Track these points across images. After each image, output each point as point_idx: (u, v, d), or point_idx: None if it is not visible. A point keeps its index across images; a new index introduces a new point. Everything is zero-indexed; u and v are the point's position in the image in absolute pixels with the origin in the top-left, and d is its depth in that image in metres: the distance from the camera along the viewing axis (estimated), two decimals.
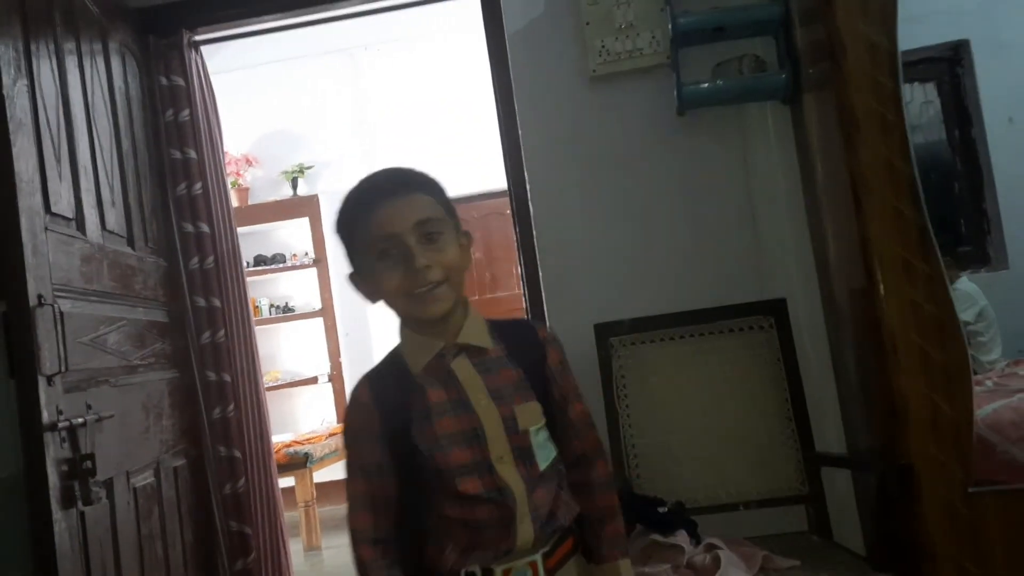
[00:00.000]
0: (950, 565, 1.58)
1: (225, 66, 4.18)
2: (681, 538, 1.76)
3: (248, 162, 5.16)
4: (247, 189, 5.22)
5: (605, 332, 2.05)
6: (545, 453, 1.17)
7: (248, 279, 2.65)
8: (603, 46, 2.18)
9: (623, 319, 2.04)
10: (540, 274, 2.26)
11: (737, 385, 1.99)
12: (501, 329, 1.21)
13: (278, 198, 5.32)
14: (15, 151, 1.51)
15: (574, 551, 1.20)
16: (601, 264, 2.21)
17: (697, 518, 1.85)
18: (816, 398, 2.01)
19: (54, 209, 1.63)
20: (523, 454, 1.14)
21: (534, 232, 2.26)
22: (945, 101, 2.21)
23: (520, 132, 2.25)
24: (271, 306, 5.42)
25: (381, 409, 1.15)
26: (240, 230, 2.60)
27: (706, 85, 2.07)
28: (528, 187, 2.26)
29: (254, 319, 2.59)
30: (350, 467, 1.18)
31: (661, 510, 1.85)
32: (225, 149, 2.58)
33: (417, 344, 1.16)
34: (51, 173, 1.64)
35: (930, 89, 2.22)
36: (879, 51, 1.66)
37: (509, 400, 1.15)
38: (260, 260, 5.29)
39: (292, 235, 5.43)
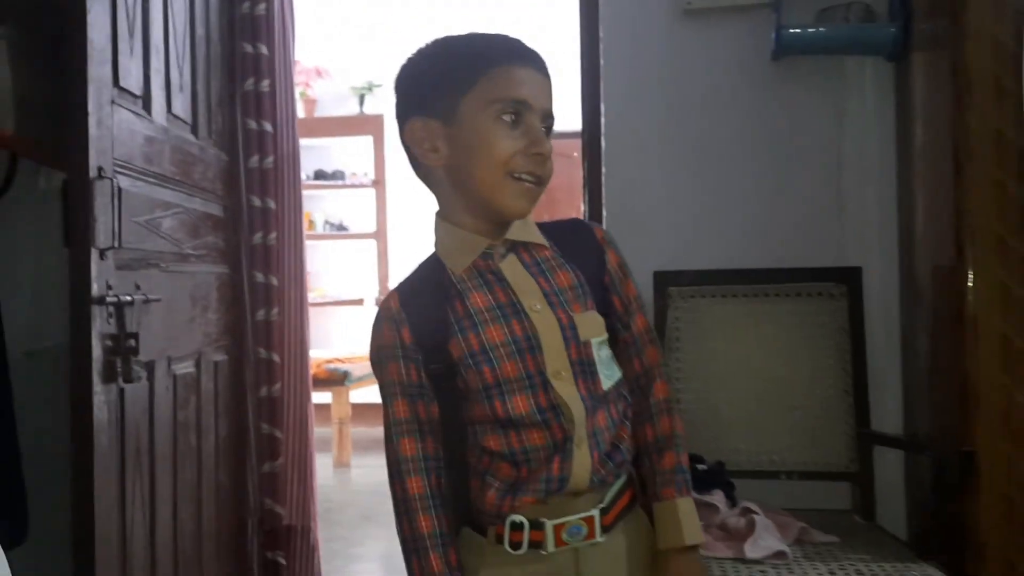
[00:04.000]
0: (999, 558, 1.51)
1: None
2: (717, 498, 1.72)
3: (318, 73, 5.12)
4: (314, 101, 5.20)
5: (665, 281, 1.97)
6: (609, 372, 1.03)
7: (305, 192, 2.62)
8: None
9: (686, 269, 1.97)
10: (604, 214, 2.18)
11: (796, 351, 1.91)
12: (553, 230, 1.08)
13: (344, 114, 5.29)
14: (90, 19, 1.47)
15: (632, 506, 1.07)
16: (669, 211, 2.11)
17: (736, 481, 1.80)
18: (878, 375, 1.92)
19: (122, 84, 1.59)
20: (585, 369, 1.00)
21: (603, 172, 2.18)
22: None
23: (602, 63, 2.15)
24: (325, 222, 5.43)
25: (413, 321, 1.01)
26: (302, 142, 2.56)
27: (809, 30, 1.93)
28: (603, 123, 2.16)
29: (306, 231, 2.57)
30: (385, 389, 1.04)
31: (700, 467, 1.79)
32: (296, 58, 2.53)
33: (459, 240, 1.03)
34: (123, 47, 1.60)
35: None
36: (1004, 8, 1.53)
37: (568, 306, 1.01)
38: (320, 175, 5.30)
39: (354, 153, 5.42)
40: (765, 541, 1.58)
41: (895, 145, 1.97)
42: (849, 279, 1.91)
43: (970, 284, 1.54)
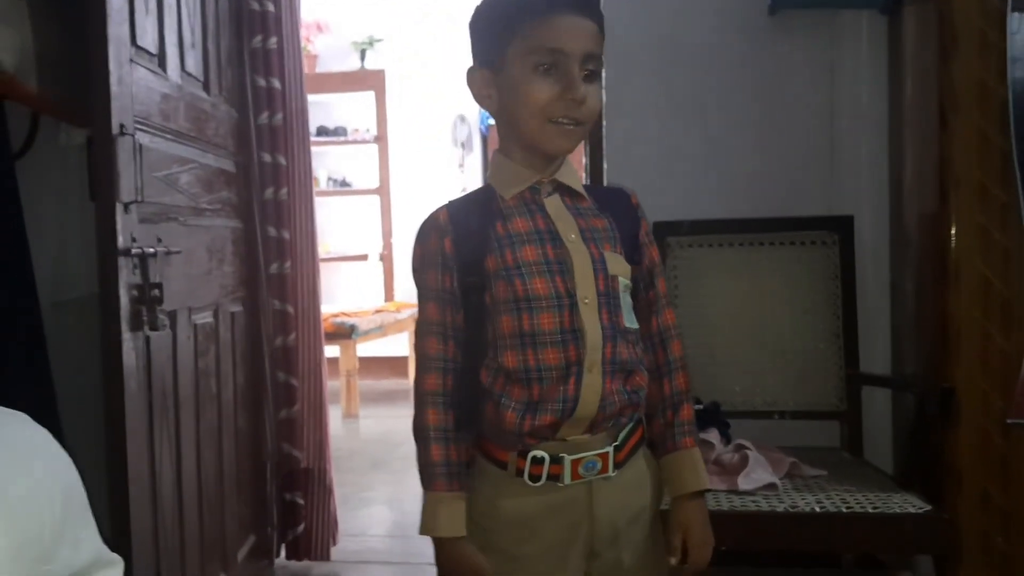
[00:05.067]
0: (974, 487, 1.61)
1: None
2: (712, 435, 1.80)
3: (319, 28, 5.11)
4: (315, 56, 5.20)
5: (663, 231, 2.04)
6: (629, 315, 1.10)
7: None
8: None
9: (684, 219, 2.03)
10: (605, 167, 2.24)
11: (790, 297, 1.99)
12: (594, 191, 1.16)
13: (346, 69, 5.29)
14: None
15: (641, 443, 1.14)
16: (668, 163, 2.18)
17: (731, 421, 1.88)
18: (868, 320, 2.00)
19: (139, 42, 1.65)
20: (610, 301, 1.07)
21: (603, 125, 2.23)
22: None
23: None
24: (328, 179, 5.47)
25: (458, 233, 1.08)
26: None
27: None
28: (603, 76, 2.21)
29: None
30: (422, 292, 1.10)
31: (697, 407, 1.87)
32: None
33: (512, 172, 1.10)
34: (139, 5, 1.65)
35: None
36: None
37: (599, 243, 1.09)
38: (322, 131, 5.32)
39: (356, 109, 5.42)
40: (757, 474, 1.68)
41: (887, 97, 2.03)
42: (841, 227, 1.98)
43: (953, 230, 1.61)
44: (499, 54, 1.07)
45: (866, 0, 1.99)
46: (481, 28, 1.11)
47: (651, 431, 1.17)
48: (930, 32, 1.70)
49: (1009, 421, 1.59)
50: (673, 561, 1.14)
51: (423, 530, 1.08)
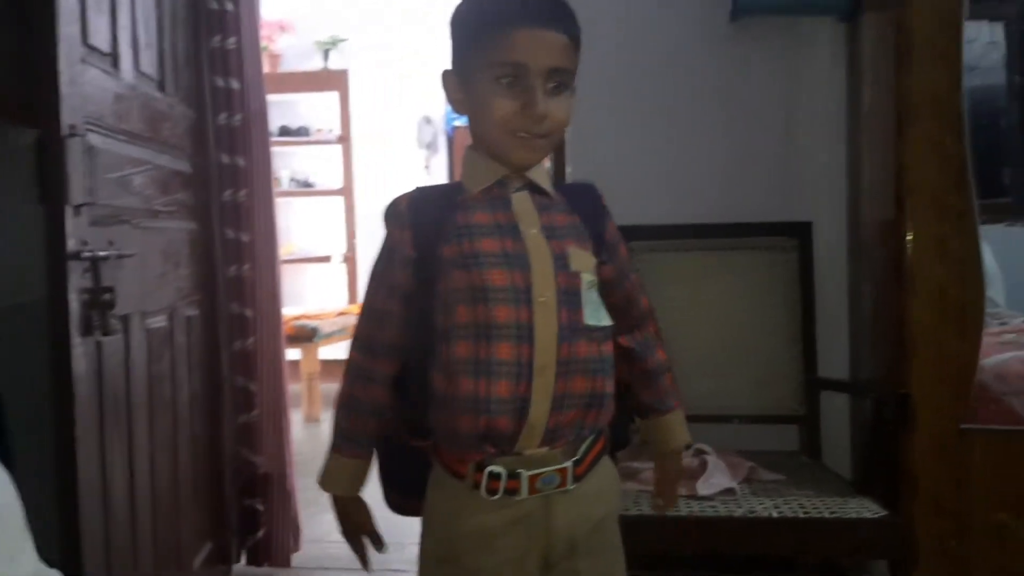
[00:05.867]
0: (929, 491, 1.63)
1: None
2: None
3: (281, 28, 5.05)
4: (278, 56, 5.14)
5: (626, 235, 2.03)
6: (594, 312, 1.07)
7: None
8: None
9: (645, 224, 2.04)
10: (568, 170, 2.24)
11: (751, 302, 2.01)
12: (563, 188, 1.15)
13: (309, 69, 5.24)
14: None
15: (603, 454, 1.13)
16: (629, 167, 2.18)
17: (693, 425, 1.88)
18: (827, 324, 2.02)
19: (91, 42, 1.61)
20: (569, 299, 1.04)
21: (566, 129, 2.23)
22: (1011, 44, 2.12)
23: None
24: (291, 179, 5.41)
25: (416, 220, 1.07)
26: (267, 97, 2.57)
27: None
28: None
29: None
30: (373, 282, 1.13)
31: None
32: None
33: (482, 166, 1.09)
34: (91, 3, 1.61)
35: (998, 30, 2.13)
36: None
37: (562, 239, 1.07)
38: (284, 131, 5.26)
39: (319, 109, 5.37)
40: (716, 479, 1.69)
41: (846, 104, 2.05)
42: (800, 233, 2.00)
43: (909, 237, 1.63)
44: (465, 64, 1.07)
45: (826, 7, 2.01)
46: (452, 35, 1.10)
47: (635, 400, 1.23)
48: (888, 41, 1.72)
49: (963, 426, 1.62)
50: (662, 504, 1.31)
51: (322, 486, 1.17)
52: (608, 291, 1.13)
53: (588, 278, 1.07)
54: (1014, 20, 2.07)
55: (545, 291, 1.03)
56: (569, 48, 1.05)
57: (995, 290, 2.00)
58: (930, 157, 1.61)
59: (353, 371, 1.15)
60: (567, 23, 1.06)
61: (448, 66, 1.11)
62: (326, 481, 1.17)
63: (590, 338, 1.06)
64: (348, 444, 1.15)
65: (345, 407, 1.16)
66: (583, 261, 1.07)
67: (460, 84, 1.08)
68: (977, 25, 2.04)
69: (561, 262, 1.05)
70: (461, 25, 1.08)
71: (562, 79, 1.04)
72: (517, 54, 1.01)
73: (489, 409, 1.02)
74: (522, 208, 1.08)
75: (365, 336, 1.14)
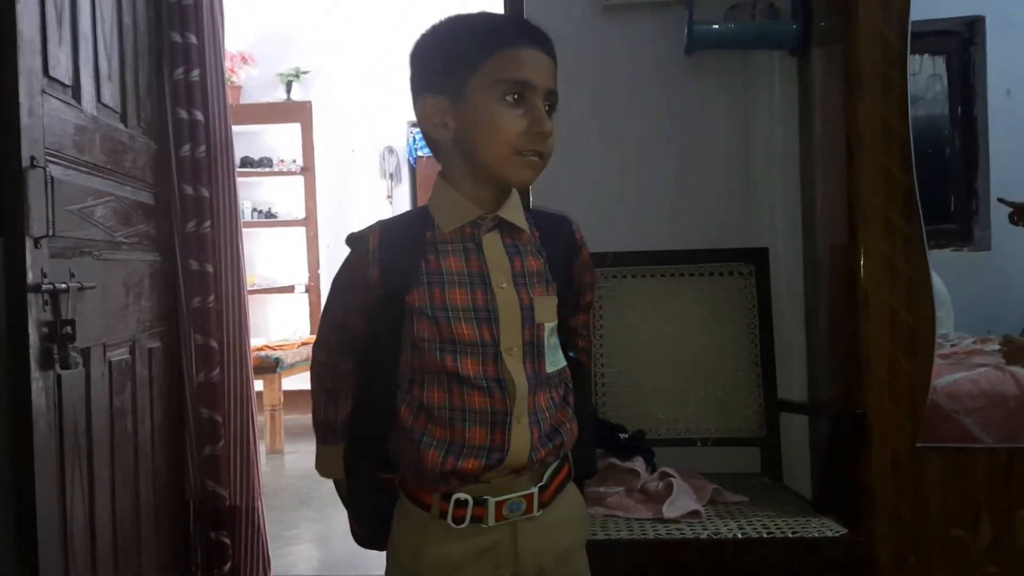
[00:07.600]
0: (887, 508, 1.67)
1: None
2: (638, 464, 1.83)
3: (244, 59, 5.07)
4: (240, 87, 5.15)
5: None
6: (553, 358, 1.10)
7: None
8: None
9: (606, 251, 2.07)
10: (531, 200, 2.27)
11: (710, 327, 2.04)
12: (537, 218, 1.15)
13: (271, 100, 5.25)
14: (19, 8, 1.48)
15: (568, 480, 1.15)
16: (590, 195, 2.22)
17: (656, 449, 1.92)
18: (785, 347, 2.07)
19: (52, 73, 1.61)
20: (533, 350, 1.07)
21: None
22: (952, 77, 2.20)
23: None
24: (254, 210, 5.40)
25: (385, 258, 1.07)
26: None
27: (717, 27, 2.06)
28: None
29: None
30: (326, 314, 1.18)
31: (622, 436, 1.91)
32: None
33: (456, 203, 1.07)
34: (52, 35, 1.61)
35: (940, 63, 2.21)
36: (891, 10, 1.67)
37: (531, 289, 1.08)
38: (246, 162, 5.26)
39: (281, 140, 5.39)
40: (681, 502, 1.71)
41: (798, 134, 2.12)
42: (757, 259, 2.04)
43: (861, 261, 1.68)
44: (460, 84, 1.05)
45: (776, 42, 2.08)
46: (438, 57, 1.08)
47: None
48: (836, 73, 1.79)
49: (918, 444, 1.66)
50: None
51: (320, 473, 1.25)
52: (563, 320, 1.16)
53: (550, 327, 1.10)
54: (955, 53, 2.15)
55: (514, 344, 1.05)
56: (556, 73, 1.09)
57: (945, 312, 2.05)
58: (879, 184, 1.67)
59: (319, 368, 1.20)
60: (553, 49, 1.10)
61: (418, 95, 1.09)
62: (322, 468, 1.24)
63: (549, 385, 1.10)
64: (332, 435, 1.21)
65: (322, 402, 1.21)
66: (546, 311, 1.09)
67: (448, 107, 1.06)
68: (920, 59, 2.12)
69: (528, 313, 1.07)
70: (453, 46, 1.07)
71: (552, 102, 1.08)
72: (525, 72, 1.03)
73: (460, 452, 1.04)
74: (493, 253, 1.08)
75: (326, 338, 1.18)
